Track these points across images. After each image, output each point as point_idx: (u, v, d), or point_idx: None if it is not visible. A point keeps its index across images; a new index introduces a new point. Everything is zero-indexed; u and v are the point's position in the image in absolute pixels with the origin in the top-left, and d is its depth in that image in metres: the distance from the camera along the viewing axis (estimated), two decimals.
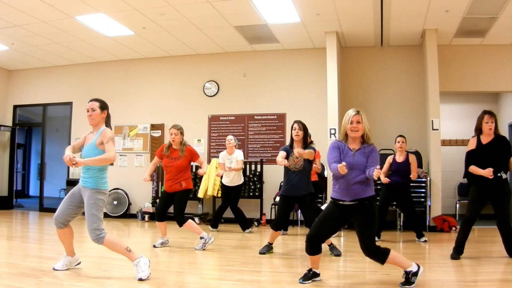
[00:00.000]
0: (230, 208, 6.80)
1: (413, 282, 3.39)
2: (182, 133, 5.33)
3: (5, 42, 7.96)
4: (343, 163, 3.23)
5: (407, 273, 3.41)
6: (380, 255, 3.42)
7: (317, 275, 3.60)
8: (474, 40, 7.54)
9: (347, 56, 8.13)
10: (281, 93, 8.35)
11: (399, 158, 5.95)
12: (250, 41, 7.94)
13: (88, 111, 3.74)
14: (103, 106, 3.80)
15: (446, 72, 7.55)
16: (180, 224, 5.21)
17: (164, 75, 9.01)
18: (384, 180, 5.73)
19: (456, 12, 6.41)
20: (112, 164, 3.99)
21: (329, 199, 3.71)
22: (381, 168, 3.61)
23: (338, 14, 6.62)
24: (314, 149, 4.87)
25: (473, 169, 4.44)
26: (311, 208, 4.84)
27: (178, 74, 8.93)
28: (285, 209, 4.95)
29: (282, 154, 4.81)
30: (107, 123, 3.84)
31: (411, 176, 5.85)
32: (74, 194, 3.76)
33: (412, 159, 5.96)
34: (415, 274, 3.44)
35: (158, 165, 6.29)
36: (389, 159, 6.01)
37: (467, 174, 4.55)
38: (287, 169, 4.86)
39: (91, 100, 3.78)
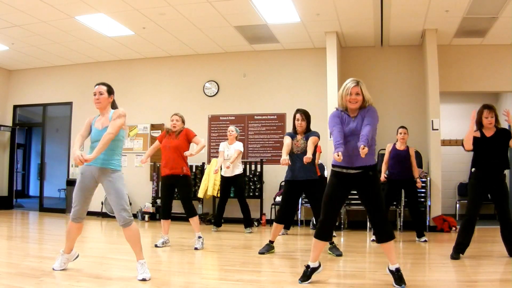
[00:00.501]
0: (238, 201, 6.77)
1: (401, 278, 3.33)
2: (183, 121, 5.33)
3: (5, 42, 7.96)
4: (339, 153, 3.19)
5: (397, 270, 3.34)
6: (390, 229, 3.36)
7: (317, 268, 3.57)
8: (474, 40, 7.54)
9: (347, 56, 8.13)
10: (281, 93, 8.35)
11: (400, 147, 5.98)
12: (250, 41, 7.94)
13: (95, 95, 3.73)
14: (110, 90, 3.81)
15: (446, 72, 7.55)
16: (191, 215, 5.19)
17: (164, 75, 9.01)
18: (382, 177, 5.75)
19: (456, 12, 6.41)
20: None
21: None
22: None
23: (338, 14, 6.62)
24: (317, 135, 4.89)
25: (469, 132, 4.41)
26: (318, 195, 4.72)
27: (178, 74, 8.93)
28: (289, 196, 4.88)
29: (287, 141, 4.81)
30: (114, 106, 3.85)
31: (415, 178, 5.85)
32: (84, 184, 3.68)
33: (412, 152, 5.98)
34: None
35: (158, 165, 6.28)
36: (389, 147, 6.03)
37: (473, 161, 4.55)
38: (292, 154, 4.85)
39: (98, 84, 3.77)
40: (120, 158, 3.75)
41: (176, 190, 5.34)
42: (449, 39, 7.53)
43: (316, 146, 4.90)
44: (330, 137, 7.10)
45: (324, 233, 3.50)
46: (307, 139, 4.84)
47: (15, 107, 10.07)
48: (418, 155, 7.29)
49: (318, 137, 4.91)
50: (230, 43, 8.10)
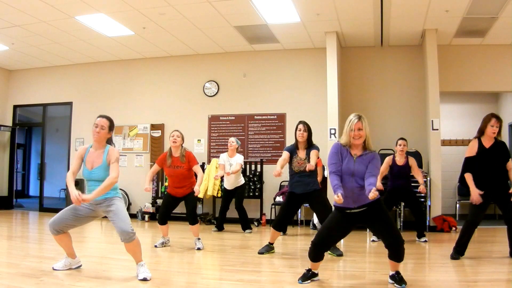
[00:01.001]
0: (235, 208, 6.80)
1: (402, 279, 3.38)
2: (183, 139, 5.33)
3: (5, 42, 7.96)
4: (339, 195, 3.18)
5: (397, 273, 3.39)
6: (403, 251, 3.34)
7: (316, 275, 3.61)
8: (474, 40, 7.54)
9: (347, 56, 8.13)
10: (281, 93, 8.35)
11: (400, 161, 5.94)
12: (250, 41, 7.94)
13: (96, 127, 3.68)
14: (111, 127, 3.78)
15: (446, 72, 7.55)
16: (194, 223, 5.23)
17: (164, 75, 9.00)
18: (379, 185, 5.67)
19: (456, 12, 6.41)
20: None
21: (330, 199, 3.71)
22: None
23: (338, 14, 6.62)
24: (318, 148, 4.87)
25: (468, 178, 4.42)
26: (321, 204, 4.79)
27: (178, 74, 8.93)
28: (289, 206, 4.90)
29: (285, 156, 4.79)
30: (110, 142, 3.83)
31: (420, 188, 5.81)
32: (78, 207, 3.65)
33: (412, 161, 5.95)
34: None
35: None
36: (388, 161, 5.96)
37: (462, 179, 4.54)
38: (292, 171, 4.83)
39: (101, 117, 3.73)
40: (117, 185, 3.73)
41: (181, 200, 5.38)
42: (449, 39, 7.53)
43: (318, 150, 4.88)
44: (331, 137, 7.13)
45: (316, 256, 3.50)
46: (308, 156, 4.78)
47: (15, 107, 10.06)
48: (418, 155, 7.31)
49: (318, 150, 4.87)
50: (230, 43, 8.10)
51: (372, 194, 3.08)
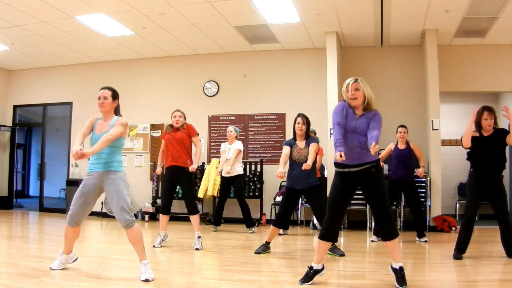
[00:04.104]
0: (238, 202, 6.78)
1: (403, 278, 3.34)
2: (185, 118, 5.33)
3: (5, 42, 7.97)
4: (341, 153, 3.19)
5: (401, 269, 3.34)
6: (394, 227, 3.35)
7: (320, 270, 3.52)
8: (474, 40, 7.54)
9: (347, 56, 8.13)
10: (281, 93, 8.35)
11: (401, 146, 6.00)
12: (250, 41, 7.94)
13: (99, 99, 3.72)
14: (115, 95, 3.80)
15: (446, 72, 7.54)
16: (193, 213, 5.20)
17: (164, 75, 9.01)
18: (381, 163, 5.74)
19: (456, 12, 6.41)
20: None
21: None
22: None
23: (338, 14, 6.62)
24: (317, 141, 4.92)
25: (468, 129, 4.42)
26: (318, 200, 4.80)
27: (178, 74, 8.93)
28: (288, 202, 4.92)
29: (286, 151, 4.82)
30: (117, 113, 3.84)
31: (418, 171, 5.87)
32: (87, 188, 3.68)
33: (414, 145, 6.00)
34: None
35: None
36: (391, 146, 6.06)
37: (469, 155, 4.57)
38: (292, 161, 4.86)
39: (103, 88, 3.76)
40: (121, 159, 3.76)
41: (178, 186, 5.34)
42: (449, 39, 7.53)
43: (317, 142, 4.94)
44: (331, 137, 7.13)
45: (329, 234, 3.48)
46: (308, 146, 4.84)
47: (15, 107, 10.07)
48: None
49: (318, 143, 4.95)
50: (230, 43, 8.10)
51: (373, 149, 3.10)
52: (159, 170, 5.35)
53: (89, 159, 3.69)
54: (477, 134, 4.53)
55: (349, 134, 3.38)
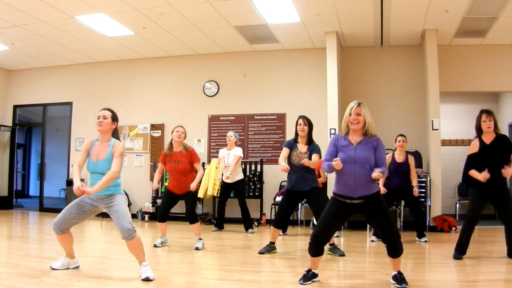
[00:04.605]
0: (239, 204, 6.79)
1: (403, 279, 3.38)
2: (185, 135, 5.34)
3: (5, 42, 7.96)
4: (337, 158, 3.20)
5: (399, 273, 3.39)
6: (401, 246, 3.34)
7: (316, 275, 3.59)
8: (474, 40, 7.54)
9: (347, 56, 8.13)
10: (281, 93, 8.35)
11: (399, 158, 5.95)
12: (250, 41, 7.94)
13: (99, 118, 3.74)
14: (114, 117, 3.83)
15: (446, 72, 7.54)
16: (194, 222, 5.24)
17: (164, 75, 9.00)
18: (382, 190, 5.62)
19: (456, 12, 6.41)
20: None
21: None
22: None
23: (338, 14, 6.62)
24: (319, 151, 4.80)
25: (473, 173, 4.42)
26: (319, 203, 4.72)
27: (178, 74, 8.93)
28: (287, 204, 4.88)
29: (284, 153, 4.79)
30: (115, 135, 3.84)
31: (413, 186, 5.82)
32: (85, 208, 3.71)
33: (411, 160, 5.96)
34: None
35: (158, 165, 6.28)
36: (388, 158, 5.99)
37: (466, 177, 4.54)
38: (291, 165, 4.81)
39: (104, 109, 3.81)
40: (120, 181, 3.76)
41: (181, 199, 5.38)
42: (449, 39, 7.53)
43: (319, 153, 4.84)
44: (331, 137, 7.12)
45: (316, 250, 3.48)
46: (310, 152, 4.77)
47: (15, 107, 10.06)
48: (418, 155, 7.31)
49: (320, 153, 4.79)
50: (230, 43, 8.10)
51: (376, 174, 3.12)
52: (155, 186, 5.32)
53: (90, 178, 3.71)
54: (477, 143, 4.47)
55: (349, 166, 3.29)
